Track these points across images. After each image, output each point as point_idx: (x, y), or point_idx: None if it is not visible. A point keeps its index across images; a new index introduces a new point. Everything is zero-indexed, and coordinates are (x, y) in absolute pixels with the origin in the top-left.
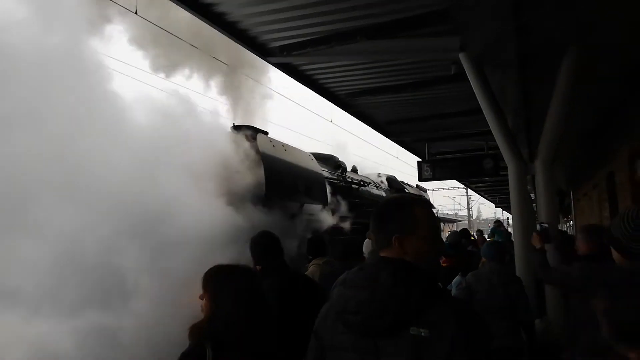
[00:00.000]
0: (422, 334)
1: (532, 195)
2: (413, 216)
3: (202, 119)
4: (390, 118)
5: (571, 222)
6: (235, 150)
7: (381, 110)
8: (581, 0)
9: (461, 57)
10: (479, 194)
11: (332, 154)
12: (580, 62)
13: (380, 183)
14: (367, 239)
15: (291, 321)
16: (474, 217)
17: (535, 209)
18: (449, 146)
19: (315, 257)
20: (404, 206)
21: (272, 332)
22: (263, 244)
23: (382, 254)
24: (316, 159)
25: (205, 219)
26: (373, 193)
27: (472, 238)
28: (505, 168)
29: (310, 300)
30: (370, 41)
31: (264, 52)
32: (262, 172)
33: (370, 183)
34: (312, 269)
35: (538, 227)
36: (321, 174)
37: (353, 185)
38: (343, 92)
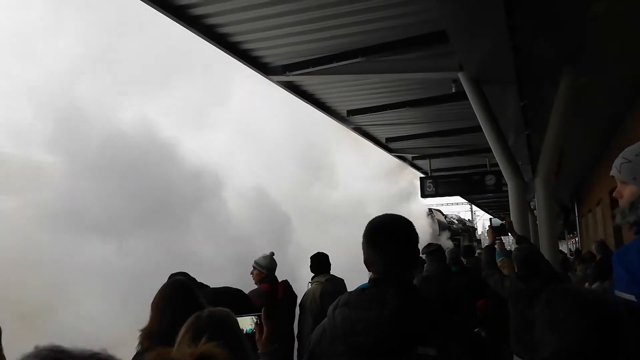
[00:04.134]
0: (430, 353)
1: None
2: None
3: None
4: (392, 134)
5: (577, 238)
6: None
7: (382, 127)
8: (570, 23)
9: (460, 76)
10: (482, 209)
11: None
12: (576, 80)
13: (455, 220)
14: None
15: None
16: (479, 232)
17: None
18: (452, 162)
19: (317, 275)
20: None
21: None
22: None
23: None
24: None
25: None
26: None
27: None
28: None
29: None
30: (370, 59)
31: (267, 71)
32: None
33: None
34: (313, 286)
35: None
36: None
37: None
38: (344, 109)
